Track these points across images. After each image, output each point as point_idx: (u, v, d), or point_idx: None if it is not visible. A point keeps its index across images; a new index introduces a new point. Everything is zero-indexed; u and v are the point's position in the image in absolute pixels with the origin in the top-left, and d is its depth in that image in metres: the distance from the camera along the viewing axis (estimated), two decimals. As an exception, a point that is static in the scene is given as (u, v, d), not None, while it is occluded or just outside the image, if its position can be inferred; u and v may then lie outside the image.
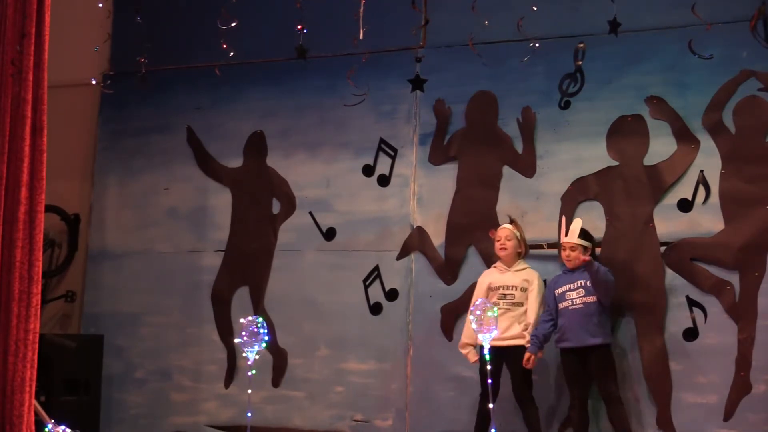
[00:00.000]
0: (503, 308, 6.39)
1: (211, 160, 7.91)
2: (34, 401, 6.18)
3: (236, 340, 6.13)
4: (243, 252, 7.69)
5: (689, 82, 6.63)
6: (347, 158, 7.49)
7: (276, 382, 7.42)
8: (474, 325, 5.65)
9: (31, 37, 6.22)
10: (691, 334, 6.44)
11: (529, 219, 6.85)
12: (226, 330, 7.61)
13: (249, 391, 6.25)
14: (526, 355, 6.30)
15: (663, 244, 6.56)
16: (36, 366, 6.13)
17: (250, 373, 5.93)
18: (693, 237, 6.51)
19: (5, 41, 6.27)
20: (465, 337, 6.53)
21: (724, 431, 6.29)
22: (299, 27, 6.09)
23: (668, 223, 6.58)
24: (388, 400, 7.12)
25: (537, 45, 6.04)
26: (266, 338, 5.76)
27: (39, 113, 6.27)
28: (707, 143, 6.55)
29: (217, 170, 7.88)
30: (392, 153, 7.37)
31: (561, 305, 6.37)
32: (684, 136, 6.61)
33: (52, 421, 6.12)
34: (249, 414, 6.31)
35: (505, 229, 6.60)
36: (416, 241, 7.22)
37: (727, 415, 6.29)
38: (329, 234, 7.48)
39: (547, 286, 6.52)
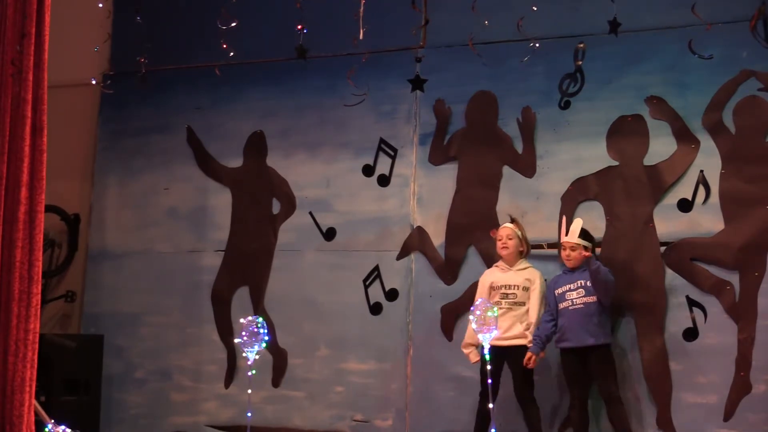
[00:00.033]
0: (505, 307, 6.39)
1: (211, 160, 7.91)
2: (34, 401, 6.17)
3: (236, 340, 6.13)
4: (243, 252, 7.68)
5: (689, 82, 6.62)
6: (347, 158, 7.49)
7: (276, 382, 7.42)
8: (474, 325, 5.64)
9: (31, 37, 6.22)
10: (691, 334, 6.44)
11: (529, 219, 6.84)
12: (226, 330, 7.60)
13: (249, 391, 6.24)
14: (528, 354, 6.30)
15: (663, 244, 6.56)
16: (36, 366, 6.13)
17: (250, 373, 5.93)
18: (693, 237, 6.51)
19: (5, 41, 6.27)
20: (468, 338, 6.51)
21: (724, 431, 6.28)
22: (299, 27, 6.09)
23: (668, 223, 6.57)
24: (388, 400, 7.11)
25: (537, 45, 6.04)
26: (266, 338, 5.76)
27: (39, 113, 6.27)
28: (707, 143, 6.54)
29: (217, 170, 7.87)
30: (392, 153, 7.37)
31: (561, 305, 6.37)
32: (684, 136, 6.61)
33: (52, 421, 6.11)
34: (249, 414, 6.31)
35: (507, 228, 6.59)
36: (416, 241, 7.22)
37: (727, 415, 6.29)
38: (329, 234, 7.48)
39: (547, 286, 6.51)
